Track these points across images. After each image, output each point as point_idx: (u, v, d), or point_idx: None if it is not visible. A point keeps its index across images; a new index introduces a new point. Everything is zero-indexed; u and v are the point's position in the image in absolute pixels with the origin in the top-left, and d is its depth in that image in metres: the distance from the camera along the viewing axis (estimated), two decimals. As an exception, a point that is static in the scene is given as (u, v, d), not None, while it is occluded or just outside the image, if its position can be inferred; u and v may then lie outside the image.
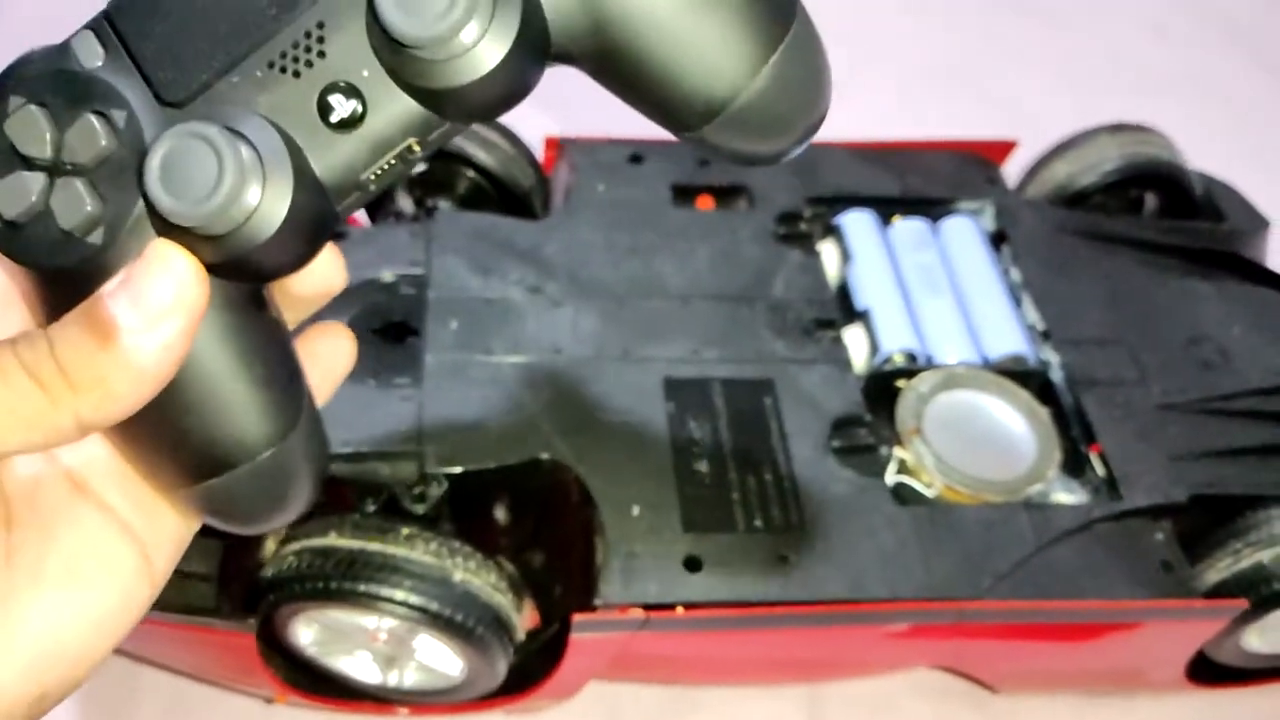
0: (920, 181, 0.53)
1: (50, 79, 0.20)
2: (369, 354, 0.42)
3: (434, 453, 0.39)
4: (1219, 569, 0.41)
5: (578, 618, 0.36)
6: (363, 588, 0.35)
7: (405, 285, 0.45)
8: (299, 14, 0.20)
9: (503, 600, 0.37)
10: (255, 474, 0.20)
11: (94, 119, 0.20)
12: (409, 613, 0.35)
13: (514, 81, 0.21)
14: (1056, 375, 0.46)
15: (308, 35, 0.20)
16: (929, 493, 0.42)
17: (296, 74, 0.20)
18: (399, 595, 0.35)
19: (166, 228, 0.19)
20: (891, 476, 0.42)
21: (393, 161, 0.21)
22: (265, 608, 0.36)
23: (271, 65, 0.20)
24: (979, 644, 0.41)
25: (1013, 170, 0.57)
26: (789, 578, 0.38)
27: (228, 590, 0.37)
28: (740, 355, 0.44)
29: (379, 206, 0.53)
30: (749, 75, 0.22)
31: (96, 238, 0.20)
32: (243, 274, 0.20)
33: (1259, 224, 0.55)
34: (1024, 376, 0.45)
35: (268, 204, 0.20)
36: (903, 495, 0.42)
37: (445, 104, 0.21)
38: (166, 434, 0.20)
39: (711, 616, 0.37)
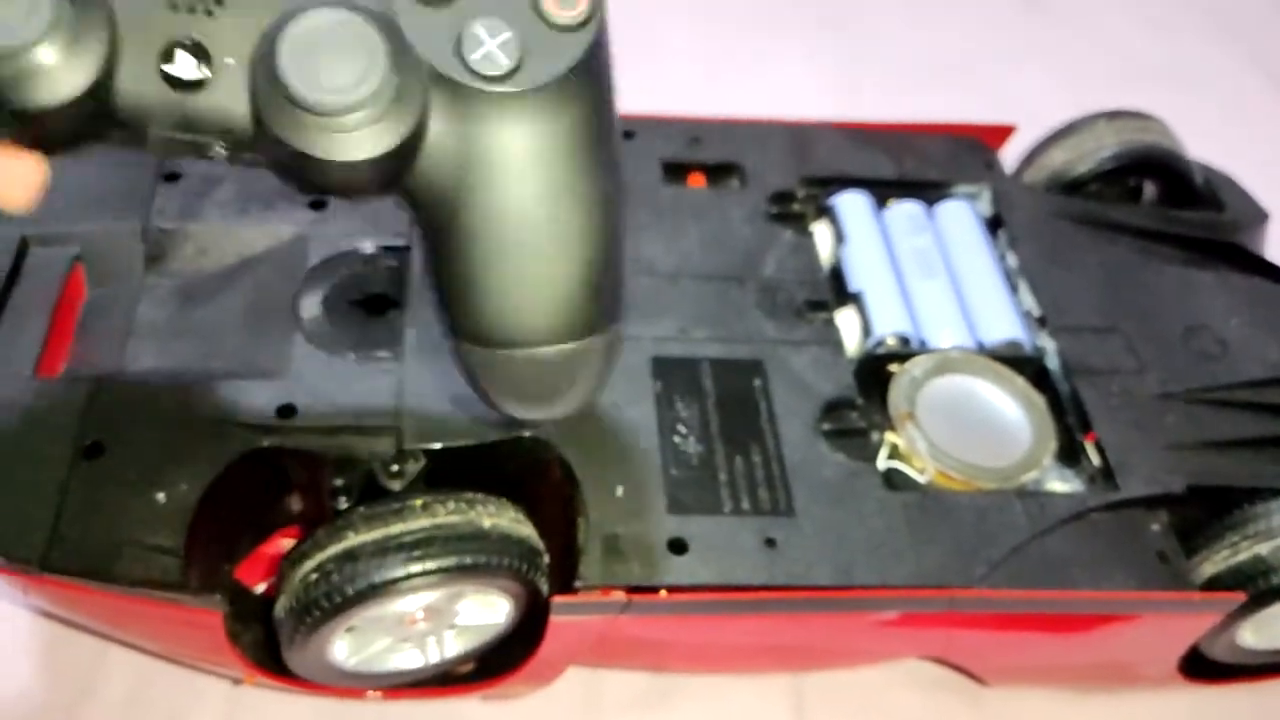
0: (916, 164, 0.52)
1: None
2: (349, 326, 0.41)
3: (413, 428, 0.37)
4: (1216, 562, 0.40)
5: (557, 600, 0.34)
6: (403, 571, 0.33)
7: (387, 257, 0.43)
8: None
9: (529, 531, 0.36)
10: None
11: None
12: (460, 576, 0.34)
13: (362, 178, 0.22)
14: (1052, 362, 0.45)
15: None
16: (921, 478, 0.40)
17: (172, 5, 0.20)
18: (450, 561, 0.33)
19: None
20: (883, 461, 0.41)
21: (181, 142, 0.22)
22: (303, 632, 0.34)
23: None
24: (970, 634, 0.40)
25: (1009, 157, 0.56)
26: (776, 562, 0.36)
27: (194, 565, 0.36)
28: (730, 335, 0.43)
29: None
30: (550, 339, 0.24)
31: None
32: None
33: (1258, 216, 0.54)
34: (1019, 363, 0.44)
35: (65, 68, 0.19)
36: (894, 481, 0.41)
37: (264, 141, 0.21)
38: None
39: (696, 600, 0.36)
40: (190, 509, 0.35)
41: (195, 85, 0.21)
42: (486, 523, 0.34)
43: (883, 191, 0.50)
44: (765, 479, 0.39)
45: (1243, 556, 0.40)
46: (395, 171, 0.23)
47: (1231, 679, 0.45)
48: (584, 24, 0.22)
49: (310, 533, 0.35)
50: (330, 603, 0.33)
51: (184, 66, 0.20)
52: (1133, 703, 0.46)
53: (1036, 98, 0.70)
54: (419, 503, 0.34)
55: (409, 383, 0.38)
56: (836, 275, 0.47)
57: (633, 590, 0.35)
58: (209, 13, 0.20)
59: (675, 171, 0.50)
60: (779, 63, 0.76)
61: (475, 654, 0.39)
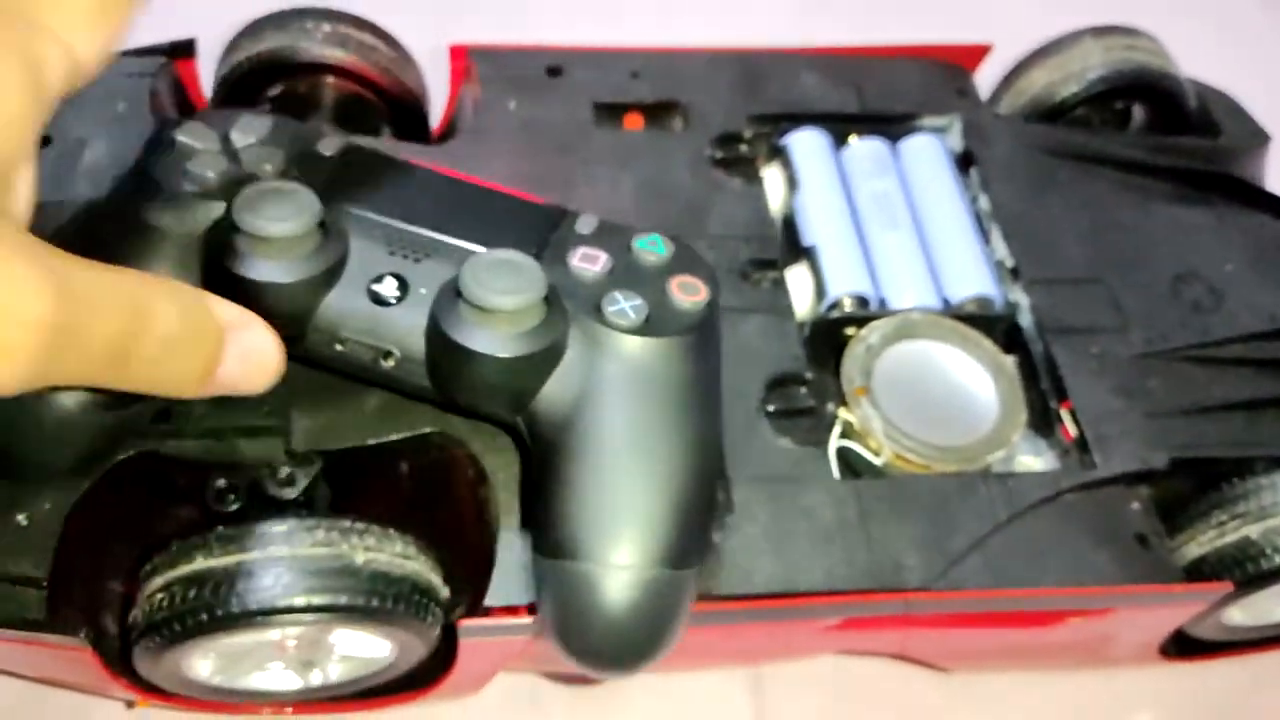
0: (880, 94, 0.47)
1: (311, 158, 0.29)
2: None
3: (304, 428, 0.33)
4: (1201, 543, 0.37)
5: (464, 624, 0.31)
6: (255, 605, 0.29)
7: None
8: (439, 246, 0.28)
9: (416, 567, 0.32)
10: None
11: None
12: (317, 616, 0.30)
13: (497, 385, 0.27)
14: (1025, 320, 0.41)
15: (420, 249, 0.28)
16: (877, 460, 0.37)
17: (391, 252, 0.28)
18: (300, 601, 0.30)
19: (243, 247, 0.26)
20: (835, 442, 0.37)
21: (365, 346, 0.28)
22: (148, 654, 0.31)
23: (389, 245, 0.28)
24: (931, 633, 0.37)
25: (985, 81, 0.51)
26: (712, 568, 0.33)
27: (69, 590, 0.32)
28: None
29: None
30: (630, 559, 0.26)
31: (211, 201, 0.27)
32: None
33: (1258, 139, 0.49)
34: (989, 322, 0.40)
35: (306, 261, 0.27)
36: (848, 461, 0.37)
37: (433, 347, 0.27)
38: None
39: (621, 617, 0.32)
40: (56, 531, 0.32)
41: (390, 302, 0.27)
42: (359, 557, 0.30)
43: (842, 127, 0.45)
44: (702, 471, 0.35)
45: (1230, 538, 0.36)
46: (533, 382, 0.27)
47: (1216, 655, 0.42)
48: (703, 307, 0.28)
49: (168, 543, 0.31)
50: (171, 630, 0.29)
51: (387, 288, 0.27)
52: (1101, 675, 0.43)
53: (1014, 14, 0.64)
54: (282, 527, 0.30)
55: (302, 375, 0.34)
56: (789, 226, 0.42)
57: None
58: (416, 260, 0.28)
59: (610, 112, 0.45)
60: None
61: (366, 681, 0.35)
